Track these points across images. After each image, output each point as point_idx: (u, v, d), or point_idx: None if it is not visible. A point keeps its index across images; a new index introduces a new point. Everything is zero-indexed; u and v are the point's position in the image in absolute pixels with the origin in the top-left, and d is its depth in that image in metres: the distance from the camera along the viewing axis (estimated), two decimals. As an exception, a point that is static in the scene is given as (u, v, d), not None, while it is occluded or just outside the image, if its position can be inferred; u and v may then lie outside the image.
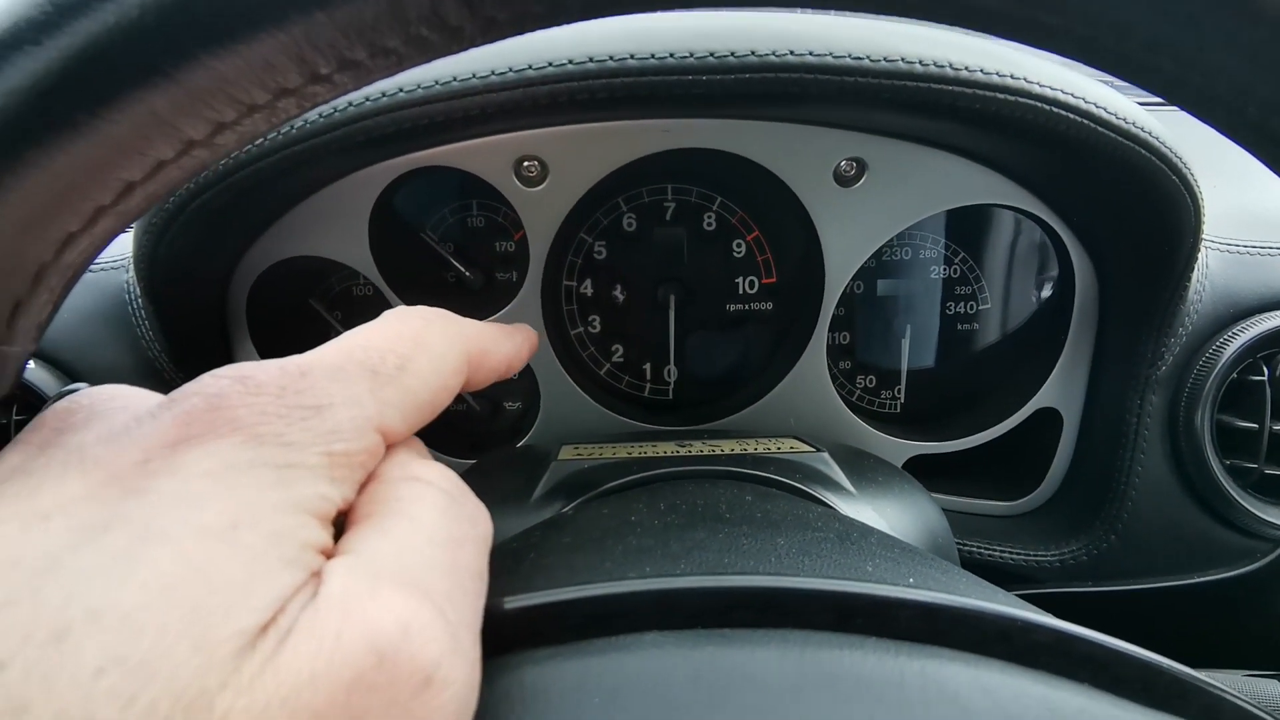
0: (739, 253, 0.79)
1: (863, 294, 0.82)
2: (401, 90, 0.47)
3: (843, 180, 0.68)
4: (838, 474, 0.54)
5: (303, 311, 0.78)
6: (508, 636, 0.27)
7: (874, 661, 0.26)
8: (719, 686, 0.25)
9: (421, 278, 0.77)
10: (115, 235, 0.25)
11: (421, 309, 0.35)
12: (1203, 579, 0.48)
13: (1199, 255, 0.65)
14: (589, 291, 0.79)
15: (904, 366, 0.84)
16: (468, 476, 0.65)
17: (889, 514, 0.53)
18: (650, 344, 0.81)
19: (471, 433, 0.84)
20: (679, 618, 0.27)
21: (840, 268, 0.73)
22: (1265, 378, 0.67)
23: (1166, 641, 0.57)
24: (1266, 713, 0.27)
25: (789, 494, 0.49)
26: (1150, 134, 0.54)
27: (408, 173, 0.68)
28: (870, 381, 0.85)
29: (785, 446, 0.60)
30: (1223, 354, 0.67)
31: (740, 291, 0.80)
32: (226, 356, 0.72)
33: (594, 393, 0.78)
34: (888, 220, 0.71)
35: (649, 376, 0.82)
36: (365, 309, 0.79)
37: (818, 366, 0.77)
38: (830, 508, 0.49)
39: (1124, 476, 0.72)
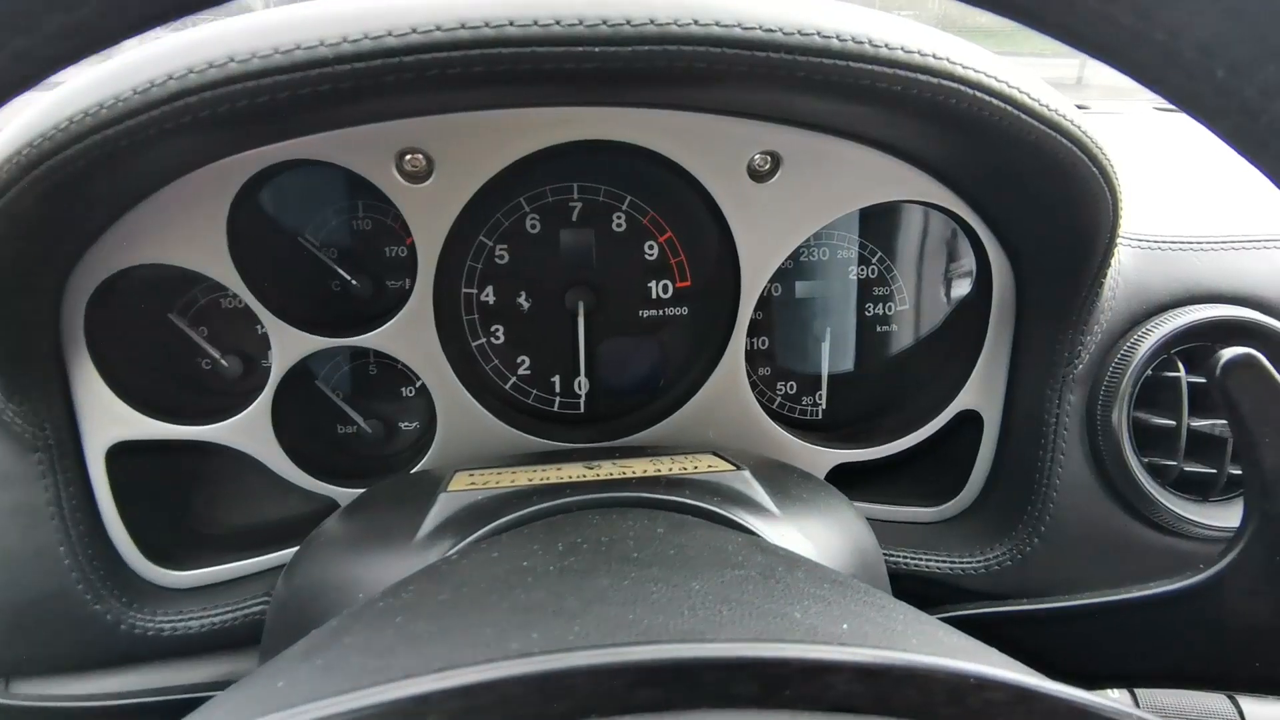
0: (651, 255, 0.74)
1: (780, 297, 0.78)
2: (233, 60, 0.39)
3: (757, 175, 0.64)
4: (759, 494, 0.50)
5: (162, 328, 0.69)
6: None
7: (809, 747, 0.22)
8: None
9: (299, 287, 0.69)
10: None
11: None
12: (1140, 594, 0.46)
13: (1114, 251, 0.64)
14: (491, 299, 0.73)
15: (824, 371, 0.80)
16: (349, 512, 0.57)
17: (815, 535, 0.49)
18: (559, 354, 0.75)
19: (364, 457, 0.76)
20: (567, 706, 0.22)
21: (756, 268, 0.69)
22: (1181, 374, 0.67)
23: (1104, 658, 0.55)
24: None
25: (706, 520, 0.44)
26: (1073, 123, 0.51)
27: (275, 168, 0.60)
28: (790, 388, 0.81)
29: (703, 465, 0.55)
30: (1137, 351, 0.66)
31: (654, 296, 0.75)
32: (64, 383, 0.62)
33: (498, 409, 0.72)
34: (804, 218, 0.67)
35: (558, 389, 0.77)
36: (235, 323, 0.70)
37: (736, 374, 0.73)
38: (752, 534, 0.44)
39: (1045, 478, 0.70)
